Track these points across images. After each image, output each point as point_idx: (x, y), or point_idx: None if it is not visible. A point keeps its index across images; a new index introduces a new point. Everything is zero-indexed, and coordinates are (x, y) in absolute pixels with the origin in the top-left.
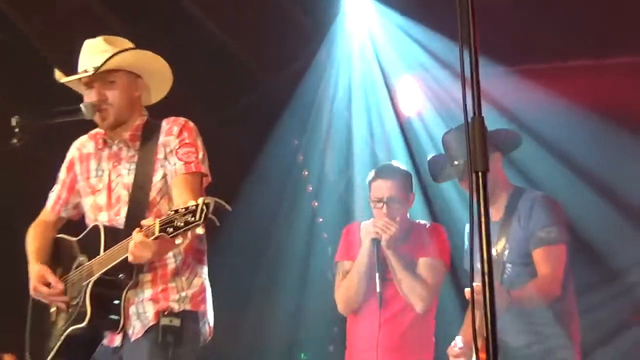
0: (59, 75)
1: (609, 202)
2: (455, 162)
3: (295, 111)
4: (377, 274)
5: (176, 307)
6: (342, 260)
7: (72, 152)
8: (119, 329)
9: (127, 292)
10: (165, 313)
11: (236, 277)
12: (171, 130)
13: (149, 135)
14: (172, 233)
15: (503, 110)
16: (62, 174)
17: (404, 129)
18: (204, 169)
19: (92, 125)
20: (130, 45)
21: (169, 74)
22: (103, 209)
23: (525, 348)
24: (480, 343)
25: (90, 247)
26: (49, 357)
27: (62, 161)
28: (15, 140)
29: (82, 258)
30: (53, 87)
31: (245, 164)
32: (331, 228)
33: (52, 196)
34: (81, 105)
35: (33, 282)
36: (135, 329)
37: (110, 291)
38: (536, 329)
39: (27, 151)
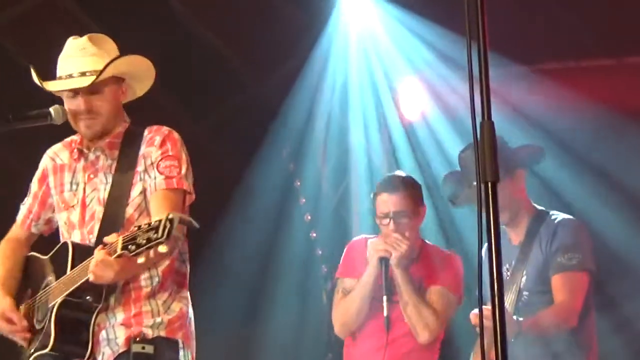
0: (41, 81)
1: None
2: (474, 184)
3: (286, 115)
4: (384, 297)
5: (150, 332)
6: (343, 277)
7: (45, 162)
8: (87, 356)
9: (96, 316)
10: (138, 339)
11: (222, 298)
12: (153, 140)
13: (129, 143)
14: (133, 251)
15: (520, 113)
16: (34, 185)
17: (406, 134)
18: (187, 185)
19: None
20: (113, 43)
21: (153, 73)
22: (76, 226)
23: None
24: None
25: (58, 266)
26: None
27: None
28: None
29: (50, 277)
30: (19, 87)
31: (232, 172)
32: (326, 243)
33: (23, 210)
34: (50, 109)
35: None
36: (105, 356)
37: (77, 314)
38: None
39: None
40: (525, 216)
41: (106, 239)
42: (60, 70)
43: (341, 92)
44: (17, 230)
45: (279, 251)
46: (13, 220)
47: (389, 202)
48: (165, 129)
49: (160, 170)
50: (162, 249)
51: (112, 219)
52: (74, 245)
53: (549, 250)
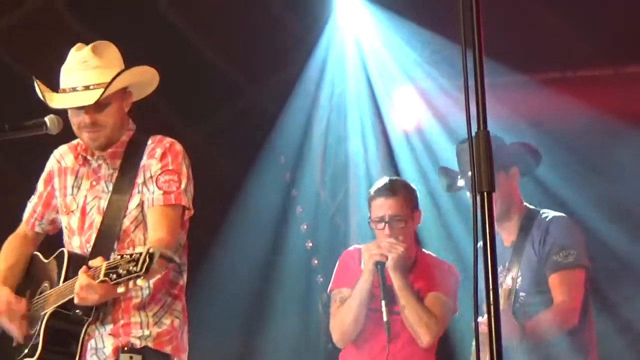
0: (45, 94)
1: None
2: (469, 173)
3: (283, 124)
4: (383, 302)
5: (137, 343)
6: (340, 288)
7: (52, 163)
8: None
9: (87, 327)
10: (126, 349)
11: (218, 307)
12: (154, 152)
13: (132, 153)
14: (114, 280)
15: (517, 122)
16: (40, 185)
17: (403, 143)
18: (185, 201)
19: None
20: (116, 51)
21: (157, 80)
22: (76, 232)
23: None
24: None
25: (53, 274)
26: None
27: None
28: None
29: (46, 284)
30: (15, 96)
31: (228, 180)
32: (322, 253)
33: (28, 208)
34: (46, 119)
35: None
36: None
37: (67, 326)
38: None
39: None
40: (516, 215)
41: (91, 263)
42: (64, 82)
43: (338, 100)
44: (23, 227)
45: (276, 261)
46: (11, 228)
47: (384, 206)
48: (167, 141)
49: (159, 185)
50: (141, 282)
51: (108, 231)
52: (70, 254)
53: (542, 250)
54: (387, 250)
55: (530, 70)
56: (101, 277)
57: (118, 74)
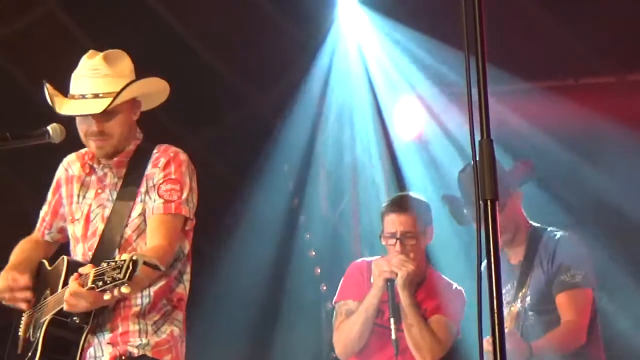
0: (55, 100)
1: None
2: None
3: (285, 132)
4: (391, 320)
5: (135, 352)
6: (345, 300)
7: (60, 172)
8: None
9: (86, 335)
10: (123, 358)
11: (219, 316)
12: (158, 161)
13: (137, 162)
14: (100, 287)
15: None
16: (49, 194)
17: (405, 152)
18: (186, 211)
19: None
20: (128, 61)
21: (167, 92)
22: (80, 240)
23: None
24: None
25: (54, 281)
26: None
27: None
28: None
29: (47, 291)
30: (18, 104)
31: (231, 190)
32: (325, 262)
33: (39, 216)
34: (49, 127)
35: None
36: None
37: (65, 334)
38: None
39: None
40: (523, 235)
41: (81, 270)
42: (73, 88)
43: (341, 108)
44: (35, 234)
45: (279, 269)
46: (16, 235)
47: (395, 222)
48: (172, 150)
49: (160, 194)
50: (125, 289)
51: (109, 239)
52: (69, 261)
53: (550, 269)
54: (397, 267)
55: (532, 77)
56: (89, 284)
57: (128, 84)
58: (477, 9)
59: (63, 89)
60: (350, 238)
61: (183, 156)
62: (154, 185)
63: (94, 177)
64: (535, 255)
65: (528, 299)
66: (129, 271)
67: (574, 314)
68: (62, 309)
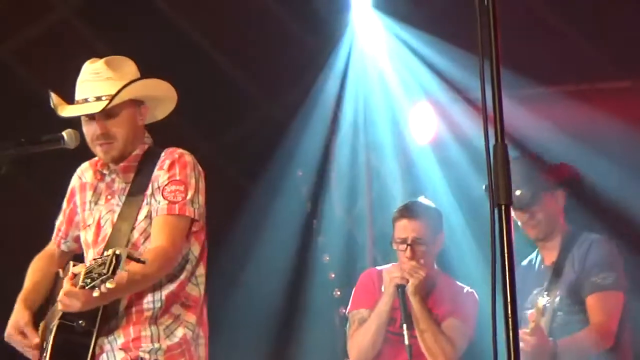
0: (58, 106)
1: None
2: (517, 192)
3: (300, 138)
4: (404, 326)
5: (147, 357)
6: (358, 309)
7: (74, 181)
8: None
9: (97, 339)
10: None
11: (232, 320)
12: (163, 163)
13: (144, 166)
14: (89, 285)
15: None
16: (64, 203)
17: (420, 156)
18: (191, 211)
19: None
20: (132, 65)
21: (173, 95)
22: (90, 246)
23: None
24: None
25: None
26: None
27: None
28: None
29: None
30: (33, 110)
31: (244, 195)
32: (339, 267)
33: (55, 226)
34: (63, 133)
35: (8, 328)
36: None
37: (74, 338)
38: None
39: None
40: (559, 235)
41: (73, 269)
42: (77, 94)
43: (355, 113)
44: (51, 246)
45: (292, 275)
46: (27, 244)
47: (407, 228)
48: (177, 152)
49: (165, 195)
50: (110, 284)
51: (116, 242)
52: (73, 266)
53: (582, 270)
54: (408, 273)
55: (546, 82)
56: (80, 282)
57: (127, 84)
58: (492, 14)
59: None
60: (364, 242)
61: (189, 157)
62: (158, 187)
63: (104, 184)
64: (568, 256)
65: (558, 299)
66: (112, 265)
67: (603, 316)
68: (66, 313)
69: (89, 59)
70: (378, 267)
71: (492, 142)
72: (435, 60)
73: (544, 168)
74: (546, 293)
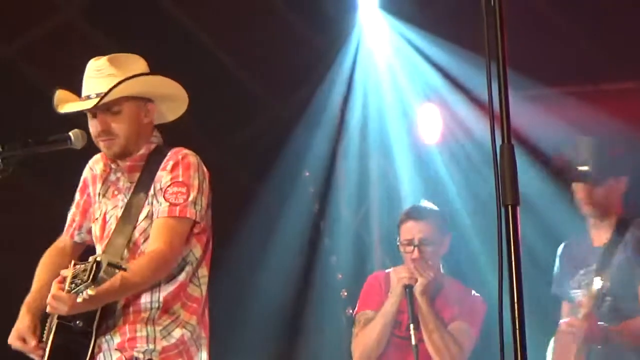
0: (59, 103)
1: None
2: (584, 168)
3: (306, 138)
4: (411, 325)
5: (141, 357)
6: (364, 310)
7: (86, 172)
8: None
9: (95, 339)
10: None
11: (238, 322)
12: (167, 164)
13: (150, 166)
14: (73, 290)
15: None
16: (77, 194)
17: (427, 157)
18: (192, 213)
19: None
20: (139, 63)
21: (183, 95)
22: (98, 240)
23: None
24: None
25: None
26: None
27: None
28: None
29: None
30: (40, 111)
31: (250, 196)
32: (347, 268)
33: (68, 217)
34: (70, 133)
35: (10, 336)
36: None
37: (72, 337)
38: None
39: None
40: (613, 218)
41: (62, 272)
42: (82, 92)
43: (362, 114)
44: (63, 237)
45: (299, 276)
46: (34, 245)
47: (414, 229)
48: (181, 153)
49: (167, 197)
50: (90, 291)
51: (117, 241)
52: (75, 265)
53: (634, 256)
54: (416, 273)
55: (551, 83)
56: (66, 287)
57: (124, 80)
58: (498, 14)
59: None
60: (371, 243)
61: (193, 158)
62: (161, 189)
63: (112, 178)
64: (621, 240)
65: (608, 283)
66: (92, 272)
67: None
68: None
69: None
70: (386, 270)
71: (498, 142)
72: (441, 60)
73: (614, 153)
74: (598, 276)
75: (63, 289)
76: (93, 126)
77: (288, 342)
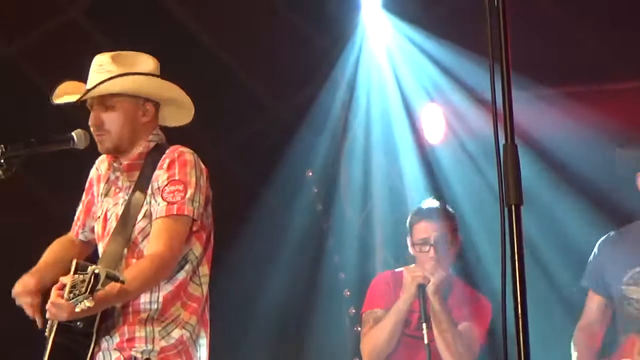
0: (57, 93)
1: None
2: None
3: (309, 138)
4: (424, 325)
5: (139, 357)
6: (373, 309)
7: (92, 172)
8: None
9: (96, 341)
10: None
11: (239, 320)
12: (163, 162)
13: (149, 165)
14: (72, 300)
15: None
16: (83, 194)
17: (430, 157)
18: (190, 210)
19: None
20: (149, 62)
21: (188, 103)
22: (99, 238)
23: None
24: None
25: None
26: None
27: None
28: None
29: None
30: (40, 111)
31: (252, 197)
32: (349, 267)
33: (76, 215)
34: (73, 133)
35: (17, 288)
36: None
37: (73, 337)
38: None
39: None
40: None
41: (61, 279)
42: (87, 86)
43: (362, 116)
44: (70, 233)
45: (302, 275)
46: (36, 246)
47: (429, 228)
48: (177, 151)
49: (164, 197)
50: (88, 303)
51: (117, 240)
52: (77, 264)
53: None
54: (430, 272)
55: (555, 83)
56: (65, 295)
57: (115, 77)
58: (502, 15)
59: None
60: (374, 243)
61: (189, 156)
62: (158, 188)
63: (112, 177)
64: None
65: None
66: (90, 285)
67: None
68: None
69: None
70: (395, 270)
71: (502, 142)
72: (445, 60)
73: None
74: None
75: (62, 296)
76: (90, 120)
77: (291, 341)
